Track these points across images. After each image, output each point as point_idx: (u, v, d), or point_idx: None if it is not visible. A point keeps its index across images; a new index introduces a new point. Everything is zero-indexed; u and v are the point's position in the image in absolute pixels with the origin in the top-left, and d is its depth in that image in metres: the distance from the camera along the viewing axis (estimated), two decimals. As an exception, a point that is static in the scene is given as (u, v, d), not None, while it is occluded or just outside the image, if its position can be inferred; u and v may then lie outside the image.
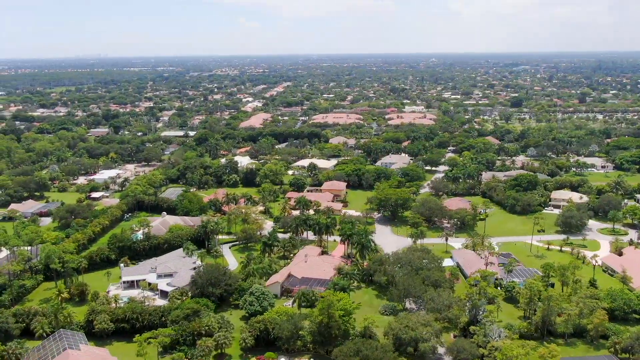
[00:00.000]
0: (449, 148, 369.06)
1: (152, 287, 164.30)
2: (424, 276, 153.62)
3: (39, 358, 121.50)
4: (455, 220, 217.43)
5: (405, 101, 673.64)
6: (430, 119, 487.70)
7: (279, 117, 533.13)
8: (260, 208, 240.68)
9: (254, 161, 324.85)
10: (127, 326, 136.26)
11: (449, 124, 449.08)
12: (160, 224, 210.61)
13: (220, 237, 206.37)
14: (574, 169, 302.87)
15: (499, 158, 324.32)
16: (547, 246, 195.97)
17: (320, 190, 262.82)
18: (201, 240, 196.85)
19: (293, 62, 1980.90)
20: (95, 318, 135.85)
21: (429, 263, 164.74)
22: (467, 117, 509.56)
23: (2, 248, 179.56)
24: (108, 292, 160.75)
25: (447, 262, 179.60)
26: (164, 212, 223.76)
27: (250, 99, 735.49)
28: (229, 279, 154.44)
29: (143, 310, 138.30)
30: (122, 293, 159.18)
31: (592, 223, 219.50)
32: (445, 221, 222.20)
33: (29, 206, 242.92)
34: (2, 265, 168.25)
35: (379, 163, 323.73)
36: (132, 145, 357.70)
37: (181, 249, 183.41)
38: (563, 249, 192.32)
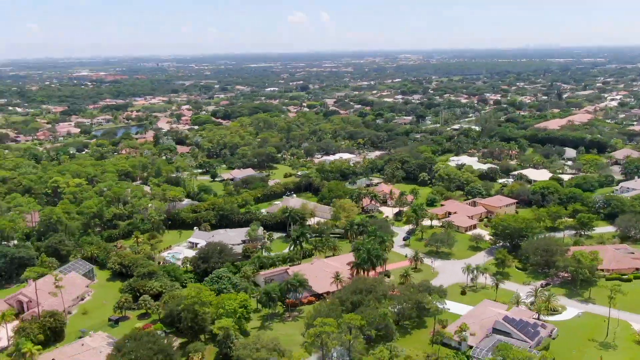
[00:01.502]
0: None
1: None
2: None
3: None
4: (565, 272, 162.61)
5: None
6: None
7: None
8: (394, 210, 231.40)
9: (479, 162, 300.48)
10: (124, 271, 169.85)
11: None
12: (283, 203, 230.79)
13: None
14: None
15: None
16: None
17: (475, 203, 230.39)
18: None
19: None
20: (110, 257, 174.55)
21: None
22: None
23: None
24: (170, 247, 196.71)
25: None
26: (294, 194, 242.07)
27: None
28: (220, 258, 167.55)
29: (132, 263, 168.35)
30: (177, 250, 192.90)
31: None
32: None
33: (242, 173, 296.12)
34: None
35: (619, 185, 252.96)
36: (383, 134, 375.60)
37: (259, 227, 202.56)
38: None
